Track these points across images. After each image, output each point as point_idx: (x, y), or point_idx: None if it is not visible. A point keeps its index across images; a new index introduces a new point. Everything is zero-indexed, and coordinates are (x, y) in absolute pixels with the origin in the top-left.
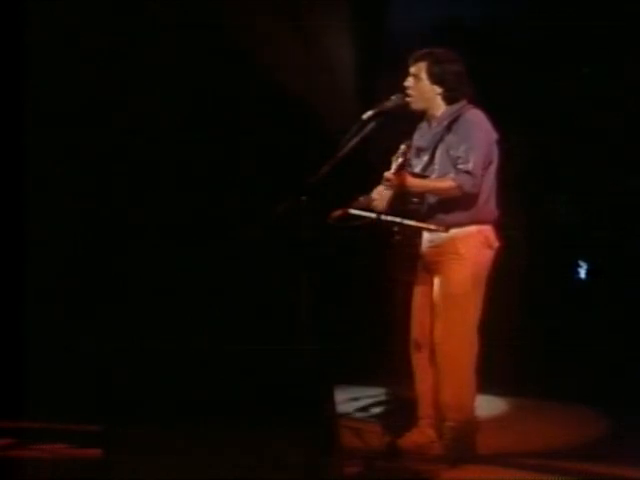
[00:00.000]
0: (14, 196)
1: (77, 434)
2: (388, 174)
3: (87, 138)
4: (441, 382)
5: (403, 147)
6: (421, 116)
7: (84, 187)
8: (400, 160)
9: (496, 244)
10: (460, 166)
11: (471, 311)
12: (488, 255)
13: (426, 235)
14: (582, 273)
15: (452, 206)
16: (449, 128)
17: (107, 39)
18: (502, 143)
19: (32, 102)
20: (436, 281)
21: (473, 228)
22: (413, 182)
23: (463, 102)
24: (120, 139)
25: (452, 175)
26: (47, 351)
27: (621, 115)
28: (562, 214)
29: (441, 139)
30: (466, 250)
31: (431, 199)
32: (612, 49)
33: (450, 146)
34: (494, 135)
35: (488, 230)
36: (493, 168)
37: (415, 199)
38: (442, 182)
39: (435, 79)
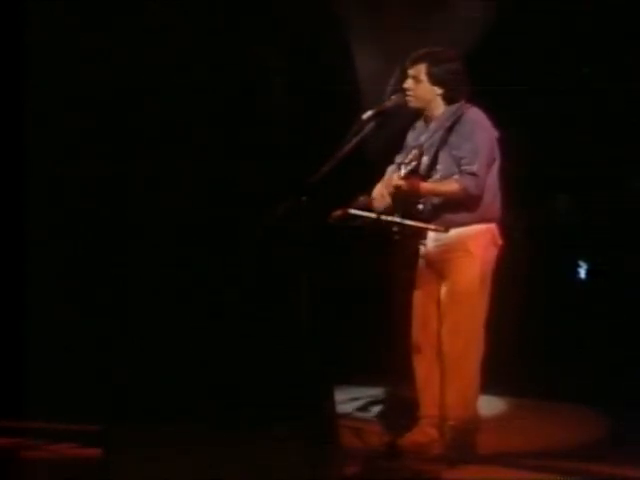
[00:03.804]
0: (14, 196)
1: (77, 434)
2: (397, 180)
3: (87, 138)
4: (446, 381)
5: (415, 152)
6: (418, 115)
7: (84, 187)
8: (413, 164)
9: (500, 242)
10: (465, 167)
11: (479, 309)
12: (494, 253)
13: (431, 234)
14: (582, 273)
15: (458, 206)
16: (451, 128)
17: (107, 39)
18: (503, 141)
19: (32, 102)
20: (444, 280)
21: (481, 226)
22: (424, 188)
23: (462, 102)
24: (120, 139)
25: (456, 177)
26: (47, 351)
27: (621, 115)
28: (562, 214)
29: (443, 140)
30: (475, 248)
31: (436, 199)
32: (612, 49)
33: (453, 146)
34: (495, 133)
35: (494, 228)
36: (496, 166)
37: (420, 199)
38: (447, 185)
39: (435, 80)
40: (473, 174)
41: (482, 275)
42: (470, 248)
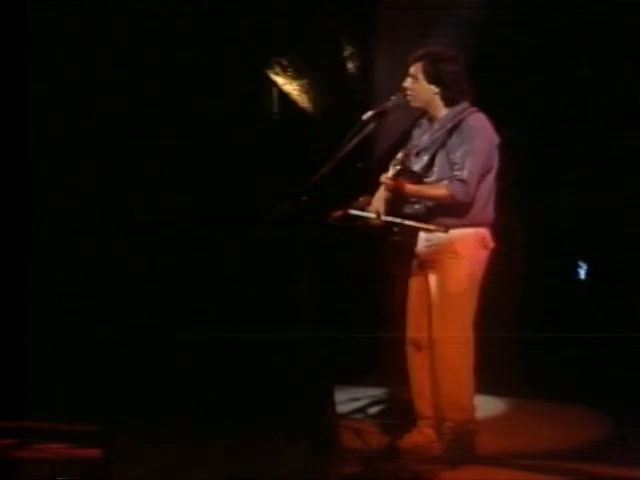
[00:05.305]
0: (14, 196)
1: (77, 434)
2: (385, 179)
3: (87, 138)
4: (439, 382)
5: (401, 155)
6: (422, 114)
7: (84, 187)
8: (398, 168)
9: (491, 244)
10: (456, 172)
11: (467, 310)
12: (484, 255)
13: (422, 234)
14: (582, 273)
15: (448, 209)
16: (450, 132)
17: (107, 39)
18: (504, 147)
19: (32, 102)
20: (433, 280)
21: (470, 229)
22: (408, 189)
23: (464, 104)
24: (121, 139)
25: (446, 182)
26: (47, 351)
27: (621, 115)
28: (562, 214)
29: (442, 143)
30: (463, 250)
31: (428, 201)
32: (612, 49)
33: (450, 150)
34: (495, 140)
35: (484, 231)
36: (493, 173)
37: (413, 199)
38: (436, 189)
39: (432, 79)
40: (463, 181)
41: (470, 276)
42: (457, 250)
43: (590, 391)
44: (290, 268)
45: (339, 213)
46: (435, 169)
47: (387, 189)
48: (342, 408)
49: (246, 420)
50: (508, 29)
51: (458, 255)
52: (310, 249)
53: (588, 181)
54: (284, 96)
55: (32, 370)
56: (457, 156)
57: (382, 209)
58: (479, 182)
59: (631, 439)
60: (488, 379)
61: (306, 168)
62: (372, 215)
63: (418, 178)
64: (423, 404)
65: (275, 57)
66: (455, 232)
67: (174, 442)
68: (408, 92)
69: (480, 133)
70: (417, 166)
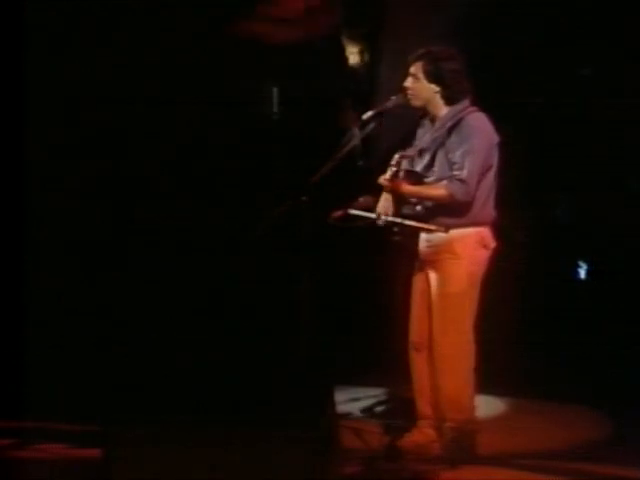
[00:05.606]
0: (14, 196)
1: (77, 434)
2: (383, 179)
3: (87, 138)
4: (439, 382)
5: (397, 157)
6: (424, 114)
7: (84, 187)
8: (394, 169)
9: (492, 244)
10: (455, 172)
11: (468, 310)
12: (484, 255)
13: (423, 235)
14: (582, 273)
15: (449, 209)
16: (450, 132)
17: (107, 39)
18: (503, 146)
19: (32, 102)
20: (433, 280)
21: (469, 229)
22: (406, 189)
23: (465, 103)
24: (121, 139)
25: (446, 182)
26: (47, 351)
27: (621, 115)
28: (562, 214)
29: (442, 142)
30: (462, 250)
31: (428, 202)
32: (613, 49)
33: (449, 150)
34: (495, 139)
35: (484, 231)
36: (492, 172)
37: (413, 200)
38: (435, 190)
39: (432, 78)
40: (462, 181)
41: (469, 276)
42: (456, 250)
43: (590, 391)
44: (290, 268)
45: (339, 213)
46: (435, 169)
47: (385, 190)
48: (342, 408)
49: (246, 420)
50: (508, 29)
51: (458, 255)
52: (310, 249)
53: (588, 181)
54: (284, 96)
55: (32, 370)
56: (456, 155)
57: (383, 209)
58: (479, 181)
59: (631, 439)
60: (488, 379)
61: (306, 168)
62: (372, 215)
63: (418, 178)
64: (423, 404)
65: (276, 57)
66: (455, 232)
67: (174, 442)
68: (409, 91)
69: (479, 132)
70: (419, 166)
